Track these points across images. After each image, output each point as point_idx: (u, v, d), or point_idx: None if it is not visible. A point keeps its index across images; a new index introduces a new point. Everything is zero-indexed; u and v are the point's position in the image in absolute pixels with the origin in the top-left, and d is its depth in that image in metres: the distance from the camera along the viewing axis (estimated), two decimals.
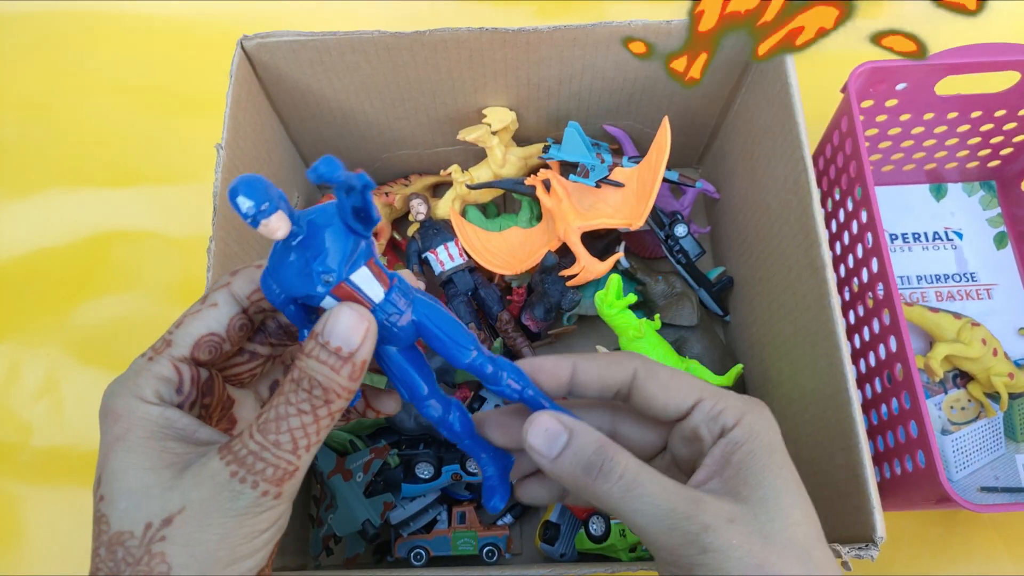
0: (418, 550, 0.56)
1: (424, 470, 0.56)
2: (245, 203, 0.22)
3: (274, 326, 0.31)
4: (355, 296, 0.25)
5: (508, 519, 0.60)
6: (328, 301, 0.25)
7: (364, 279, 0.25)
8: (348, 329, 0.25)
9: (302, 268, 0.25)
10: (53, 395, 0.68)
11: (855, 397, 0.44)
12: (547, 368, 0.31)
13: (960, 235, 0.72)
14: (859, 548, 0.40)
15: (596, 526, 0.56)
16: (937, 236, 0.72)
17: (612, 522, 0.56)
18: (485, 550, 0.57)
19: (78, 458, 0.65)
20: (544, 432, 0.28)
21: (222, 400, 0.30)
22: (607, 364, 0.31)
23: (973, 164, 0.72)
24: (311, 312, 0.27)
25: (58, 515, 0.63)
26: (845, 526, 0.44)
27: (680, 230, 0.63)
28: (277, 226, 0.24)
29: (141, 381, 0.26)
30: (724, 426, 0.29)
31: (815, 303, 0.48)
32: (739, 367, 0.59)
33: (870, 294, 0.56)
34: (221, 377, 0.30)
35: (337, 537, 0.56)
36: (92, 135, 0.78)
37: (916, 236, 0.72)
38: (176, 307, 0.70)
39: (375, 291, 0.26)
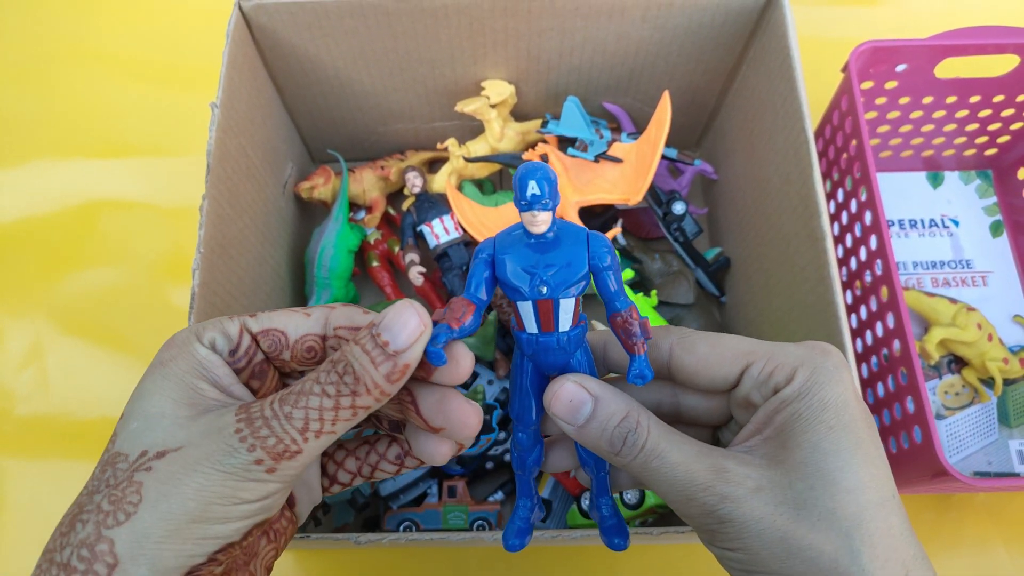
0: (407, 523, 0.55)
1: None
2: (536, 189, 0.25)
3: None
4: (548, 314, 0.27)
5: (499, 495, 0.59)
6: (525, 306, 0.27)
7: (567, 307, 0.27)
8: (402, 327, 0.24)
9: (528, 264, 0.26)
10: (38, 364, 0.66)
11: (853, 368, 0.44)
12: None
13: (956, 222, 0.72)
14: None
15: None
16: (933, 223, 0.72)
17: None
18: (476, 525, 0.56)
19: (62, 428, 0.64)
20: (568, 403, 0.27)
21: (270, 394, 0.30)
22: None
23: (970, 152, 0.72)
24: (492, 283, 0.28)
25: (40, 485, 0.62)
26: None
27: (678, 208, 0.63)
28: (544, 221, 0.25)
29: (208, 327, 0.27)
30: (776, 386, 0.27)
31: (814, 275, 0.48)
32: None
33: (868, 272, 0.56)
34: (279, 379, 0.30)
35: (326, 506, 0.55)
36: (84, 105, 0.77)
37: (912, 223, 0.72)
38: (164, 279, 0.70)
39: (567, 321, 0.27)
